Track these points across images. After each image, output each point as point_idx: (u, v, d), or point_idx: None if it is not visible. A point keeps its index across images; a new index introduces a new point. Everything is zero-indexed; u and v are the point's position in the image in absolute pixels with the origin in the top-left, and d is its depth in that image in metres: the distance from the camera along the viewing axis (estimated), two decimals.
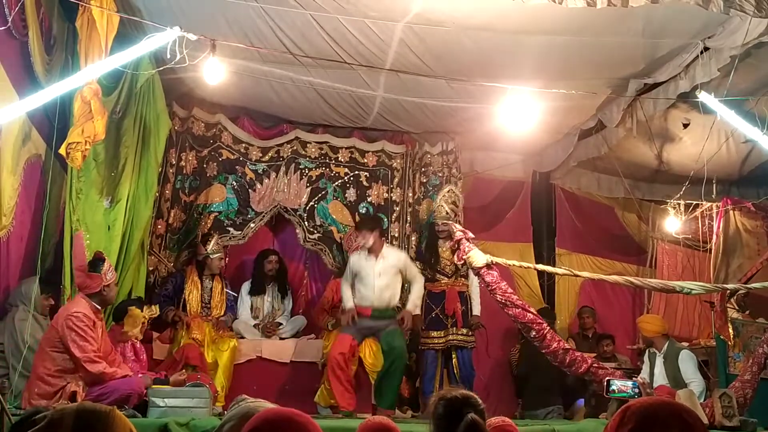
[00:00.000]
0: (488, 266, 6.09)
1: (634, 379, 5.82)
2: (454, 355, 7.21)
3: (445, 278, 7.34)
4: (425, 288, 7.22)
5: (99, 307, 5.31)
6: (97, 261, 5.33)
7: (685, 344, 7.37)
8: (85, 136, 5.30)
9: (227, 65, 5.74)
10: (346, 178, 8.20)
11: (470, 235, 6.49)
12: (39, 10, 5.40)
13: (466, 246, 6.36)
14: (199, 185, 7.69)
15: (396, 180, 8.35)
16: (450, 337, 7.16)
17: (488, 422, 2.80)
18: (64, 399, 4.95)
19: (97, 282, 5.26)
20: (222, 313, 7.27)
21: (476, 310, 7.23)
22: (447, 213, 7.41)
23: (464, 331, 7.18)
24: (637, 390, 5.47)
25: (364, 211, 8.14)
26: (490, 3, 5.37)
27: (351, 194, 8.18)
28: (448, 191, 7.62)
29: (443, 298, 7.26)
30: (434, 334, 7.21)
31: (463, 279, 7.31)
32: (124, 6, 5.53)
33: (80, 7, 5.28)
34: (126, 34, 5.44)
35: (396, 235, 8.22)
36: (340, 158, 8.22)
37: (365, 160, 8.30)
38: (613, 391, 5.49)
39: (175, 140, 7.61)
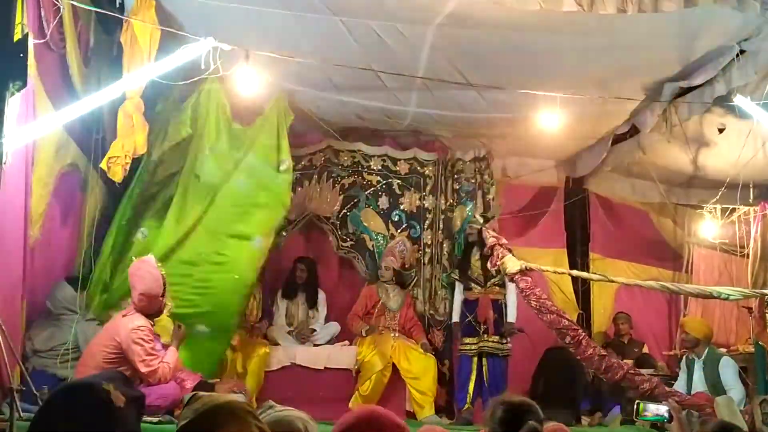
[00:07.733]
0: (522, 272, 6.08)
1: (664, 402, 5.70)
2: (484, 363, 7.20)
3: (478, 287, 7.33)
4: (462, 295, 7.35)
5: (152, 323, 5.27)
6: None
7: (724, 350, 7.27)
8: (125, 150, 5.37)
9: (260, 77, 5.78)
10: (378, 186, 8.19)
11: (503, 241, 6.49)
12: (76, 23, 5.50)
13: (499, 252, 6.36)
14: None
15: (428, 187, 8.32)
16: (482, 344, 7.16)
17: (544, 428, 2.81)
18: None
19: (157, 305, 5.24)
20: (256, 319, 7.33)
21: (511, 317, 7.19)
22: (477, 218, 7.45)
23: (495, 338, 7.16)
24: (668, 415, 5.36)
25: (396, 219, 8.16)
26: (522, 7, 5.36)
27: (383, 202, 8.18)
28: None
29: (476, 306, 7.27)
30: (467, 340, 7.24)
31: (497, 287, 7.27)
32: (160, 16, 5.60)
33: (124, 23, 5.37)
34: (162, 46, 5.51)
35: (428, 242, 8.19)
36: (372, 166, 8.21)
37: (397, 168, 8.29)
38: (644, 415, 5.38)
39: None
